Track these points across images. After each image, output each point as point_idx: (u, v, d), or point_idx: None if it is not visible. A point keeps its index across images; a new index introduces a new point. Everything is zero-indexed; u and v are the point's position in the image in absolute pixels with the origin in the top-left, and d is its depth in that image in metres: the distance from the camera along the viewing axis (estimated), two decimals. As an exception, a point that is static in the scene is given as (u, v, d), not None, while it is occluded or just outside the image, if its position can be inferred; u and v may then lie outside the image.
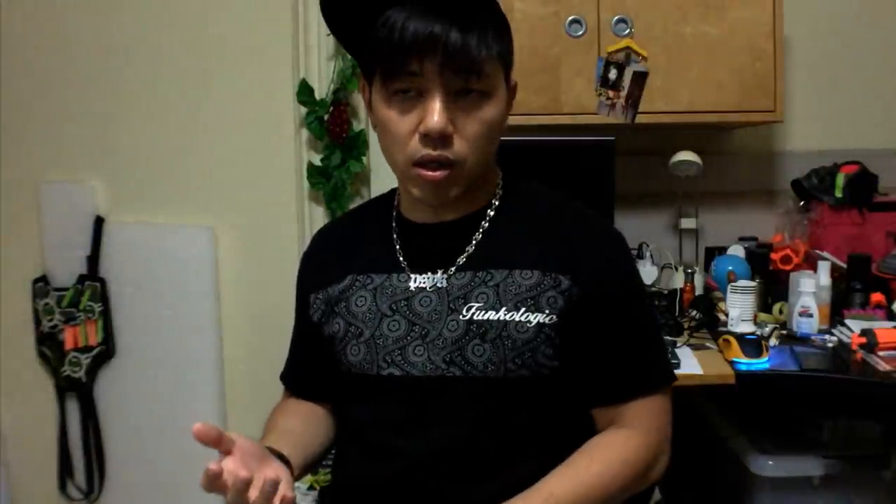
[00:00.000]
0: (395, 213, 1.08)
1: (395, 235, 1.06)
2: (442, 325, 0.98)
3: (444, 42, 0.89)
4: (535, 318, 0.96)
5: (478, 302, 0.97)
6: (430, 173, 0.94)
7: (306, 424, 1.10)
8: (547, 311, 0.96)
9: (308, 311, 1.09)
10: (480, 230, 1.03)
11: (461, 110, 0.93)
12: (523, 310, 0.96)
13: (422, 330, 0.98)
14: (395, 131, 0.94)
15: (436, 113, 0.91)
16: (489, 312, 0.97)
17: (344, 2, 0.97)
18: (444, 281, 1.00)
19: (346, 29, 1.00)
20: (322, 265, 1.10)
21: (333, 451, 1.14)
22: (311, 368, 1.14)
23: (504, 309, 0.96)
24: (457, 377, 0.96)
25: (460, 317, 0.97)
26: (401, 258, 1.04)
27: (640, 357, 1.03)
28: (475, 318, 0.97)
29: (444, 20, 0.89)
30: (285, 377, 1.20)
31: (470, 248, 1.01)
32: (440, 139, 0.92)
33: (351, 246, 1.09)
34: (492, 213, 1.04)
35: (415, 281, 1.01)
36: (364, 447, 1.02)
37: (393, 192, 1.13)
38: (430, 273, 1.01)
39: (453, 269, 1.01)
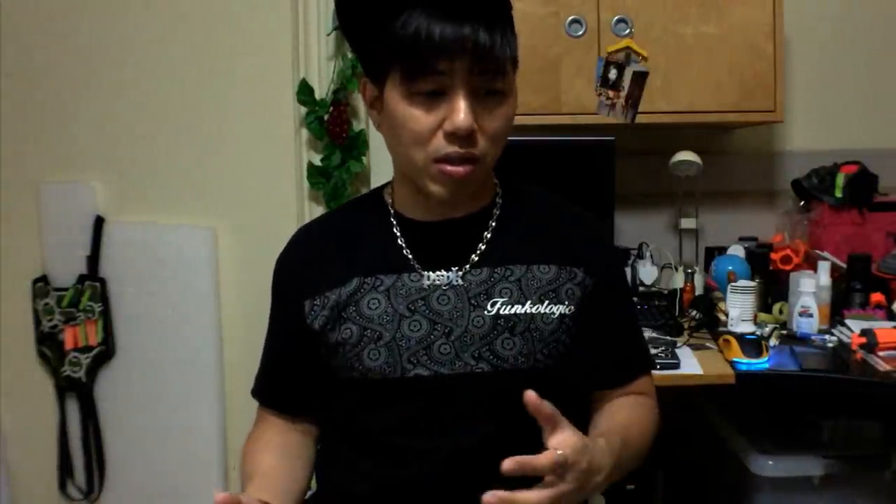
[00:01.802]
0: (392, 212, 1.06)
1: (398, 234, 1.05)
2: (466, 321, 0.99)
3: (474, 42, 0.89)
4: (557, 310, 1.00)
5: (502, 297, 0.99)
6: (455, 168, 0.94)
7: (284, 459, 1.06)
8: (567, 303, 1.01)
9: (304, 320, 1.03)
10: (490, 228, 1.04)
11: (484, 108, 0.94)
12: (547, 302, 1.00)
13: (444, 328, 0.99)
14: (418, 129, 0.93)
15: (462, 111, 0.91)
16: (515, 307, 0.99)
17: (361, 2, 0.96)
18: (459, 278, 1.01)
19: (360, 29, 0.99)
20: (314, 268, 1.05)
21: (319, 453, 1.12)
22: (295, 380, 1.09)
23: (529, 302, 1.00)
24: (485, 372, 0.98)
25: (485, 312, 0.99)
26: (410, 257, 1.03)
27: (637, 342, 1.12)
28: (502, 312, 0.99)
29: (471, 21, 0.89)
30: (261, 392, 1.13)
31: (483, 246, 1.03)
32: (466, 137, 0.92)
33: (345, 247, 1.06)
34: (498, 212, 1.06)
35: (428, 279, 1.01)
36: (376, 452, 1.00)
37: (378, 191, 1.11)
38: (443, 271, 1.01)
39: (468, 266, 1.01)
